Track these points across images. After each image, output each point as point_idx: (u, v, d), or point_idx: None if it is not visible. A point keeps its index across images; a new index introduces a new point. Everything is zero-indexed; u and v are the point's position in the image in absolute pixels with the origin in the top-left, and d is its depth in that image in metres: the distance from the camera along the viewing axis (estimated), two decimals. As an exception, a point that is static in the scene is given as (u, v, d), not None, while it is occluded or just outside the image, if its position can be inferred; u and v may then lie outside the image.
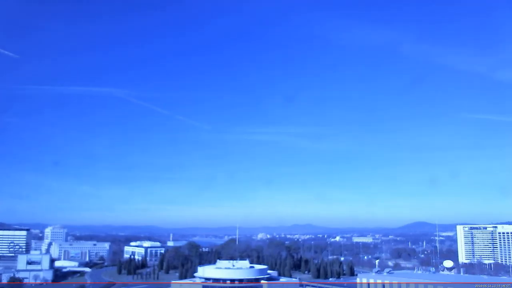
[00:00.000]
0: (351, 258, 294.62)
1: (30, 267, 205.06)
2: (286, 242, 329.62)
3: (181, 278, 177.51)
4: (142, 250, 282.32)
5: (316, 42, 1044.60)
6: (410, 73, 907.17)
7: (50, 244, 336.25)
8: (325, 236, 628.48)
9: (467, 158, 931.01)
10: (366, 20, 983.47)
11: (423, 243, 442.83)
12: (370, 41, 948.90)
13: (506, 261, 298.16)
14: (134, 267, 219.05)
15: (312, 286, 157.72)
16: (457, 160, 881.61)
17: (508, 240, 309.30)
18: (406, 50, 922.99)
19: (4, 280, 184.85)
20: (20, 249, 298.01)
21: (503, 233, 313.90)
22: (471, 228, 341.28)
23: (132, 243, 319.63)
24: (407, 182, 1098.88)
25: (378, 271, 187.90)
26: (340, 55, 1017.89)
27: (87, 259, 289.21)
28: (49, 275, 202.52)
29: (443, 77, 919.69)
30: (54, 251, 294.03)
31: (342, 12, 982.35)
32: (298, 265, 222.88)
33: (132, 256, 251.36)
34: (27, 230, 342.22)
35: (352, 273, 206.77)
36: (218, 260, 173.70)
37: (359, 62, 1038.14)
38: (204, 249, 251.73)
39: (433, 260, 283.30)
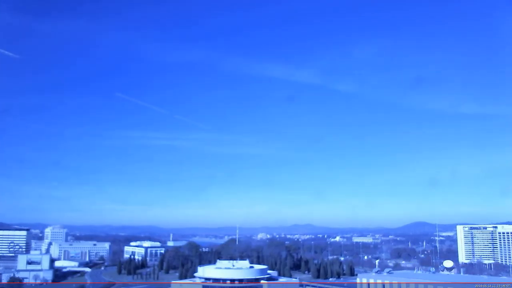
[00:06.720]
0: (351, 258, 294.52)
1: (30, 267, 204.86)
2: (286, 242, 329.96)
3: (181, 278, 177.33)
4: (142, 250, 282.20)
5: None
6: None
7: (50, 244, 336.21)
8: (325, 236, 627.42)
9: (467, 158, 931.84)
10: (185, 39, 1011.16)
11: (423, 243, 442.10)
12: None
13: (506, 261, 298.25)
14: (134, 267, 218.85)
15: (312, 286, 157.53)
16: (457, 160, 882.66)
17: (508, 240, 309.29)
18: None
19: (4, 280, 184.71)
20: (20, 249, 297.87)
21: (503, 233, 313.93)
22: (471, 228, 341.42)
23: (132, 243, 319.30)
24: (407, 182, 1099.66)
25: (378, 271, 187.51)
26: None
27: (87, 259, 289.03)
28: (49, 275, 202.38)
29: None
30: (54, 251, 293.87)
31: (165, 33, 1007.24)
32: (298, 265, 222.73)
33: (132, 256, 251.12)
34: (27, 230, 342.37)
35: (352, 273, 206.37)
36: (218, 260, 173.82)
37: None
38: (204, 249, 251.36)
39: (433, 260, 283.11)
